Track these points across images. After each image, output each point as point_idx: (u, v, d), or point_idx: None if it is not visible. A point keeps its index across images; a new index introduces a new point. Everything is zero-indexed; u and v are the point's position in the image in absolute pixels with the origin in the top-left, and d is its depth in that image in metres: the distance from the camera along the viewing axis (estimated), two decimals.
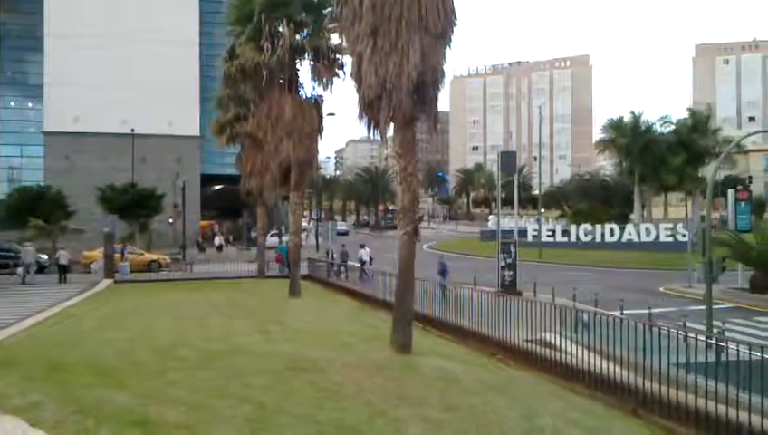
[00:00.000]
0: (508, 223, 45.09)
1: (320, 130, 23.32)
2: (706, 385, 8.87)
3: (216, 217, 79.20)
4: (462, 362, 12.60)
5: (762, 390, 8.36)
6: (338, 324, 16.96)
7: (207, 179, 68.61)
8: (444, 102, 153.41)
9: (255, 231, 39.36)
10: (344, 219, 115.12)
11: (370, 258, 31.93)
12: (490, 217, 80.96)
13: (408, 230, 12.42)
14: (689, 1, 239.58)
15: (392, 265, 16.89)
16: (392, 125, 12.48)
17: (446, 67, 12.57)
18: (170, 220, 59.52)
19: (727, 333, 19.86)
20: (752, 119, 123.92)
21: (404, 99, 11.76)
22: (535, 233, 54.80)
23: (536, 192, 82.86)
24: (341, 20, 12.75)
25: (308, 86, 23.60)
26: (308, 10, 23.13)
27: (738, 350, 9.33)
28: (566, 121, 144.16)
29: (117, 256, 34.83)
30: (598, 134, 73.14)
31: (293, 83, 22.83)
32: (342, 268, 30.00)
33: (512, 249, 31.19)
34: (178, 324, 16.78)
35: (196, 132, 65.45)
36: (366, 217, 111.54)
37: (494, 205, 56.95)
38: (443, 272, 27.47)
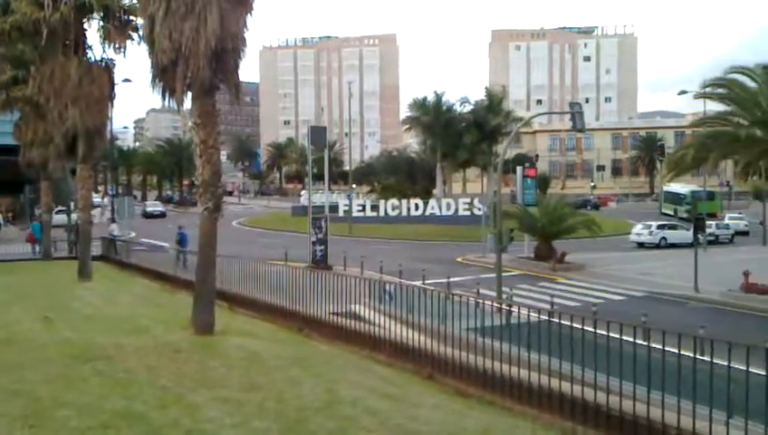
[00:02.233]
0: (319, 198, 45.38)
1: (111, 97, 21.44)
2: (492, 347, 9.55)
3: None
4: (268, 339, 12.38)
5: (539, 348, 9.22)
6: (133, 308, 15.83)
7: None
8: (254, 74, 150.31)
9: (39, 208, 35.51)
10: (144, 195, 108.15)
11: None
12: (302, 192, 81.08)
13: (210, 206, 11.84)
14: None
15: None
16: (190, 94, 11.74)
17: (248, 35, 12.08)
18: None
19: (515, 298, 21.85)
20: (539, 102, 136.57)
21: (202, 66, 11.09)
22: (346, 208, 55.90)
23: (347, 168, 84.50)
24: None
25: (98, 49, 21.46)
26: None
27: (520, 313, 10.16)
28: (375, 99, 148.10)
29: None
30: (405, 112, 76.12)
31: (80, 45, 20.65)
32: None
33: (323, 224, 31.54)
34: None
35: None
36: (169, 193, 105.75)
37: (306, 180, 57.06)
38: (181, 241, 27.33)
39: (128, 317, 13.94)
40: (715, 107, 28.69)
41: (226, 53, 11.57)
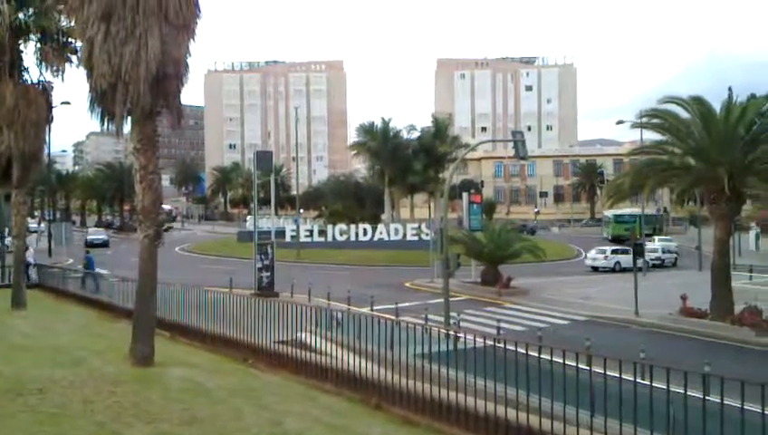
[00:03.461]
0: (266, 223, 44.87)
1: (49, 121, 20.77)
2: (440, 373, 9.53)
3: None
4: (210, 370, 12.05)
5: (485, 373, 9.23)
6: (70, 338, 15.20)
7: None
8: (198, 97, 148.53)
9: None
10: (84, 220, 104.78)
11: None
12: (248, 217, 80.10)
13: (150, 233, 11.52)
14: (433, 18, 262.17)
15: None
16: (130, 119, 11.48)
17: (191, 60, 11.93)
18: None
19: (462, 324, 21.97)
20: (483, 129, 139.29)
21: (143, 91, 10.88)
22: (293, 233, 55.45)
23: (294, 192, 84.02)
24: (70, 0, 11.41)
25: (35, 71, 20.81)
26: None
27: (466, 338, 10.18)
28: (323, 124, 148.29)
29: None
30: (353, 137, 76.38)
31: (16, 67, 20.00)
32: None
33: (269, 250, 31.10)
34: None
35: None
36: (110, 218, 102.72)
37: (251, 205, 56.28)
38: (88, 265, 28.06)
39: (63, 348, 13.37)
40: (651, 136, 29.78)
41: (168, 78, 11.39)
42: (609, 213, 66.94)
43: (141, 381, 10.24)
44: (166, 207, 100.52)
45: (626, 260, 44.32)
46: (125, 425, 7.82)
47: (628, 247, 49.92)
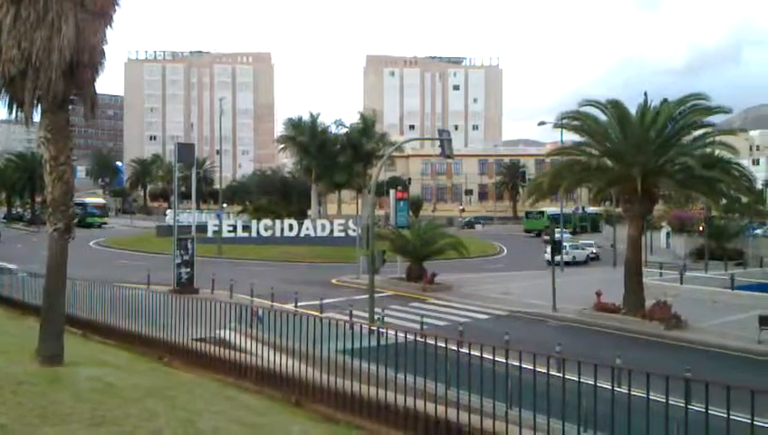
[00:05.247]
0: (186, 218, 43.69)
1: None
2: (360, 369, 9.54)
3: None
4: (123, 369, 11.62)
5: (405, 368, 9.31)
6: None
7: None
8: (118, 86, 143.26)
9: None
10: None
11: None
12: (168, 211, 77.85)
13: (60, 226, 10.97)
14: (364, 14, 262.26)
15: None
16: (40, 107, 10.90)
17: (108, 49, 11.44)
18: None
19: (386, 319, 22.11)
20: (412, 127, 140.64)
21: (54, 78, 10.35)
22: (216, 228, 54.26)
23: (218, 186, 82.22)
24: None
25: None
26: None
27: (387, 334, 10.23)
28: (249, 117, 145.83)
29: None
30: (280, 131, 75.41)
31: None
32: None
33: (189, 245, 30.32)
34: None
35: None
36: (20, 210, 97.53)
37: (172, 198, 54.63)
38: None
39: None
40: (572, 137, 30.84)
41: (82, 66, 10.87)
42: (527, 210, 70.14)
43: (48, 382, 9.75)
44: (99, 200, 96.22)
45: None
46: (30, 426, 7.43)
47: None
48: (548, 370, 7.84)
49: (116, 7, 11.42)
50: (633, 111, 25.95)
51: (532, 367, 8.05)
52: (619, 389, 7.75)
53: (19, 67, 10.53)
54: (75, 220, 11.99)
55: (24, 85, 10.67)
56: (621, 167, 25.47)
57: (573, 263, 46.87)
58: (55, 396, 9.02)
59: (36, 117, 11.31)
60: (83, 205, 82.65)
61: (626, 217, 28.34)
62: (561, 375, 7.91)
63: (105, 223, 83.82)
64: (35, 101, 10.90)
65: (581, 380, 7.75)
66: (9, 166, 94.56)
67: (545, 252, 47.88)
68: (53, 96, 10.68)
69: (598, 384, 7.54)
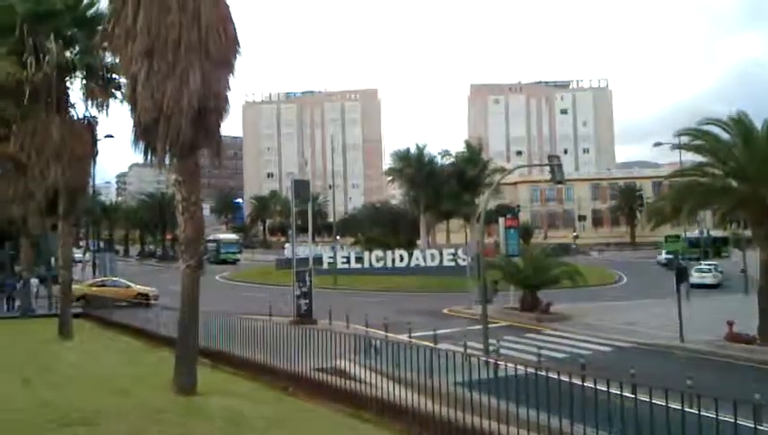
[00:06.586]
0: (303, 251, 45.14)
1: (94, 154, 21.51)
2: (480, 402, 9.40)
3: None
4: (251, 399, 12.11)
5: (528, 402, 9.08)
6: (115, 367, 15.48)
7: None
8: (236, 128, 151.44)
9: (20, 265, 34.98)
10: (127, 250, 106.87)
11: None
12: (286, 244, 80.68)
13: (192, 263, 11.74)
14: (465, 44, 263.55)
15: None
16: (170, 151, 11.79)
17: (230, 95, 12.24)
18: None
19: (502, 351, 21.65)
20: (519, 153, 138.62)
21: (183, 125, 11.18)
22: (331, 260, 55.64)
23: (331, 220, 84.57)
24: (114, 39, 11.83)
25: (81, 106, 21.58)
26: (79, 25, 21.14)
27: (507, 366, 10.05)
28: (358, 151, 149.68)
29: None
30: (387, 164, 76.75)
31: (63, 103, 20.78)
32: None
33: (307, 278, 31.23)
34: None
35: None
36: (152, 247, 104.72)
37: (289, 232, 56.90)
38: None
39: (109, 377, 13.63)
40: (690, 157, 29.25)
41: (208, 112, 11.68)
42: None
43: (185, 411, 10.36)
44: (232, 236, 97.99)
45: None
46: None
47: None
48: (682, 406, 7.40)
49: (237, 56, 12.21)
50: (759, 126, 24.28)
51: (663, 403, 7.64)
52: (761, 426, 7.19)
53: (152, 116, 11.43)
54: (212, 257, 12.77)
55: (157, 132, 11.55)
56: (747, 187, 23.84)
57: (703, 286, 44.05)
58: (192, 425, 9.57)
59: (167, 160, 12.21)
60: (216, 241, 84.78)
61: (756, 241, 26.34)
62: (696, 412, 7.45)
63: (238, 259, 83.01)
64: (167, 147, 11.79)
65: (719, 416, 7.26)
66: (141, 206, 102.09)
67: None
68: (183, 142, 11.50)
69: (739, 422, 7.04)
